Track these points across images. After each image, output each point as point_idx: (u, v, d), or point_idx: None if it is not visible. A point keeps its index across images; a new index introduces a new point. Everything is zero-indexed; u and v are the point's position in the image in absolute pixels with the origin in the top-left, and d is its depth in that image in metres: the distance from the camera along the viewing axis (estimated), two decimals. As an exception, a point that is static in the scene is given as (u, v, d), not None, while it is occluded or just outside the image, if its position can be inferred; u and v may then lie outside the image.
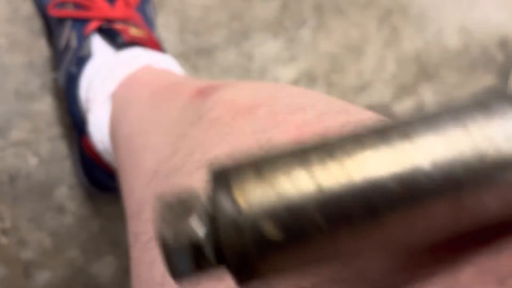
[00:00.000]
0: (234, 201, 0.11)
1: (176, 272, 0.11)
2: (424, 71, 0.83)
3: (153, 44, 0.41)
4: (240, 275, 0.11)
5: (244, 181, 0.11)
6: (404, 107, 0.71)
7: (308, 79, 0.69)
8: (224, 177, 0.11)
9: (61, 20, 0.44)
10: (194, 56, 0.62)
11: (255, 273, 0.11)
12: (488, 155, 0.10)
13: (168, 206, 0.11)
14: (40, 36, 0.51)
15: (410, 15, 0.84)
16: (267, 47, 0.68)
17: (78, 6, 0.43)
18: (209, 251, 0.11)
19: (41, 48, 0.51)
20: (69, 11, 0.43)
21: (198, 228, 0.11)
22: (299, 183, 0.11)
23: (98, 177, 0.48)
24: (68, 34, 0.43)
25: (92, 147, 0.42)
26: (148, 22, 0.46)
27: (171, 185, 0.21)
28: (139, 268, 0.21)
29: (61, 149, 0.51)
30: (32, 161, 0.50)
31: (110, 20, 0.42)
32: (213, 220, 0.11)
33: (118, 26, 0.41)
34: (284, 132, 0.19)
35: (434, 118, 0.11)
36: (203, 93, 0.26)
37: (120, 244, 0.55)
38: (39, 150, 0.51)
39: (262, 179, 0.11)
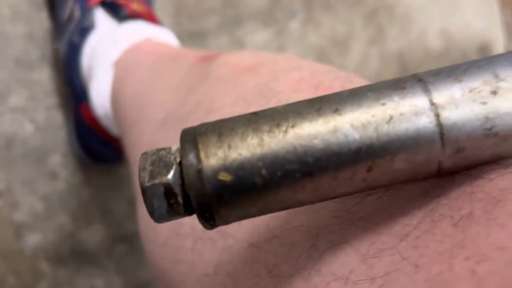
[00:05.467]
0: (198, 157, 0.13)
1: (153, 212, 0.14)
2: (406, 70, 0.87)
3: (153, 19, 0.44)
4: (202, 213, 0.14)
5: (208, 142, 0.14)
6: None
7: (295, 68, 0.72)
8: (193, 137, 0.14)
9: (65, -8, 0.46)
10: (188, 39, 0.64)
11: (214, 212, 0.13)
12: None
13: (149, 158, 0.14)
14: (41, 9, 0.53)
15: (396, 15, 0.86)
16: (258, 36, 0.71)
17: (82, -21, 0.45)
18: (179, 196, 0.14)
19: (42, 20, 0.53)
20: (74, -16, 0.46)
21: (170, 175, 0.14)
22: (251, 146, 0.13)
23: (93, 146, 0.51)
24: (71, 6, 0.46)
25: (92, 112, 0.45)
26: (148, 1, 0.49)
27: (180, 130, 0.24)
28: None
29: (57, 118, 0.53)
30: (28, 127, 0.52)
31: (113, -5, 0.44)
32: (182, 170, 0.14)
33: (121, 0, 0.44)
34: (284, 85, 0.22)
35: (358, 96, 0.14)
36: (207, 58, 0.28)
37: (109, 213, 0.57)
38: (35, 117, 0.53)
39: (221, 141, 0.14)
